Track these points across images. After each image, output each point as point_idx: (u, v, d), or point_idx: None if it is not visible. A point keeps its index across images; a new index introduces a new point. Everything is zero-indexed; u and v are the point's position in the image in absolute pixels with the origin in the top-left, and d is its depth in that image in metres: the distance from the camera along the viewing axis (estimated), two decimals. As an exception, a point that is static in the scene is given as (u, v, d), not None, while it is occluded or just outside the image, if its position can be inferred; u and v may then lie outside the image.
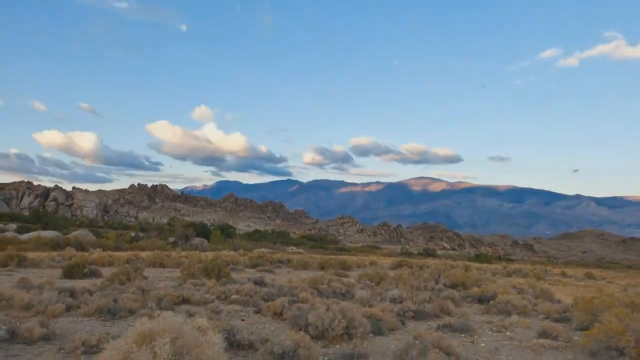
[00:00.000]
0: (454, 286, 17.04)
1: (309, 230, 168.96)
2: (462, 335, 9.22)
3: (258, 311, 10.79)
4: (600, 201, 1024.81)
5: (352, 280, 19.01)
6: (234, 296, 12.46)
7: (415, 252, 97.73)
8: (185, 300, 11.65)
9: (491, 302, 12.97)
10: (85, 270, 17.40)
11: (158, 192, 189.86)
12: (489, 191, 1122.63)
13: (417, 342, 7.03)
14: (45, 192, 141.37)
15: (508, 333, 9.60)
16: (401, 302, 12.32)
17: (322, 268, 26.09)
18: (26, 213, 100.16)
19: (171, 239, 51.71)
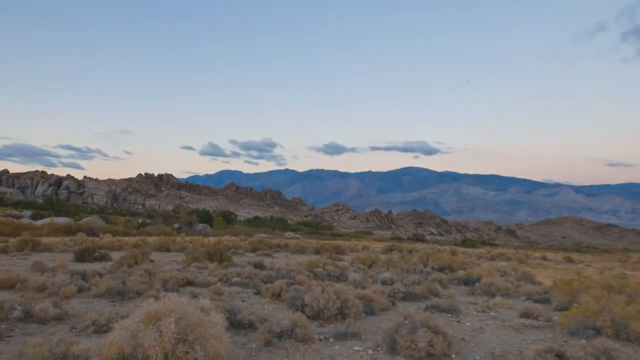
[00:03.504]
0: (441, 269, 17.12)
1: (305, 217, 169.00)
2: (449, 315, 9.26)
3: (258, 293, 10.80)
4: (578, 189, 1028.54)
5: (345, 263, 19.08)
6: (235, 278, 12.50)
7: (405, 237, 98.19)
8: (190, 283, 11.68)
9: (476, 284, 13.04)
10: (96, 254, 17.39)
11: (164, 181, 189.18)
12: (474, 180, 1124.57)
13: (406, 321, 7.05)
14: (58, 181, 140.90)
15: (492, 313, 9.65)
16: (392, 284, 12.37)
17: (317, 252, 26.15)
18: (40, 201, 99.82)
19: (176, 225, 51.73)
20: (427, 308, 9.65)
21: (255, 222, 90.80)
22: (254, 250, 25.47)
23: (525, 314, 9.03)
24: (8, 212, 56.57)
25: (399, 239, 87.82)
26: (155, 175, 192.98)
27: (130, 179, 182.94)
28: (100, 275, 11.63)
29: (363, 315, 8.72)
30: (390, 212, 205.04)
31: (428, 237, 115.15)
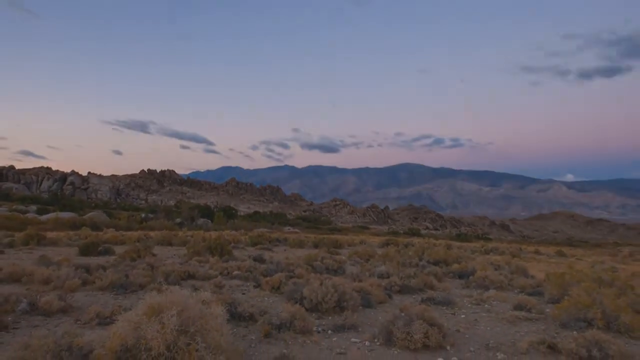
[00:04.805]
0: (436, 263, 17.14)
1: (304, 211, 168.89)
2: (444, 307, 9.28)
3: (257, 286, 10.80)
4: (570, 185, 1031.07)
5: (343, 257, 19.08)
6: (236, 272, 12.50)
7: (401, 232, 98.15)
8: (191, 276, 11.67)
9: (470, 277, 13.06)
10: (100, 248, 17.39)
11: (166, 177, 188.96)
12: (469, 176, 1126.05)
13: (403, 314, 7.06)
14: (63, 177, 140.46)
15: (486, 306, 9.67)
16: (388, 277, 12.39)
17: (316, 246, 26.15)
18: (45, 196, 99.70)
19: (178, 220, 51.62)
20: (422, 301, 9.67)
21: (255, 217, 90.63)
22: (254, 244, 25.47)
23: (519, 307, 9.05)
24: (14, 207, 56.48)
25: (395, 233, 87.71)
26: (158, 171, 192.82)
27: (133, 175, 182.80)
28: (104, 268, 11.63)
29: (360, 307, 8.73)
30: (386, 207, 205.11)
31: (424, 232, 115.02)
